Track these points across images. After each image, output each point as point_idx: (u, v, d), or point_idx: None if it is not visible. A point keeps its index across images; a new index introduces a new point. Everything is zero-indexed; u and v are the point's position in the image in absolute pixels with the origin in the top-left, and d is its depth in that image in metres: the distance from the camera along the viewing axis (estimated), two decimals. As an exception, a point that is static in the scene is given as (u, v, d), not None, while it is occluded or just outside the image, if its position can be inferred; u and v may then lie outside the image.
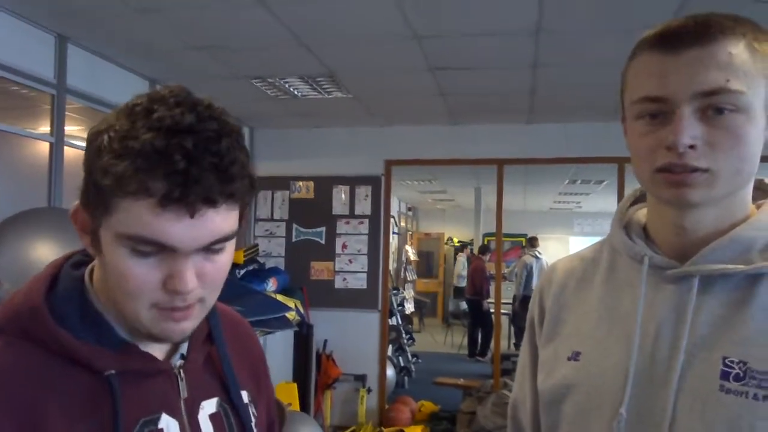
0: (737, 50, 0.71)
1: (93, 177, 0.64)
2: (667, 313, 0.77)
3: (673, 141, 0.71)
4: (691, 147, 0.71)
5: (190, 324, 0.69)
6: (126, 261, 0.64)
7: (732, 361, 0.72)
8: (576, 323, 0.87)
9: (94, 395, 0.68)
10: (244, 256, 4.54)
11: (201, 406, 0.77)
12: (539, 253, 8.67)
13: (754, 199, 0.82)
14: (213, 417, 0.78)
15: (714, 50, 0.71)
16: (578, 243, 11.81)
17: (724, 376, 0.71)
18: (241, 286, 4.24)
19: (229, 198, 0.65)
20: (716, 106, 0.71)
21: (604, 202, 9.71)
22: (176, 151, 0.61)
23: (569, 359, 0.84)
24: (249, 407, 0.83)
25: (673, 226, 0.79)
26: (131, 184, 0.61)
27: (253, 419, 0.82)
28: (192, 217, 0.62)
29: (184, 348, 0.78)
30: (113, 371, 0.69)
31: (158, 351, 0.75)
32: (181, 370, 0.76)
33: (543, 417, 0.88)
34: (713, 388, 0.71)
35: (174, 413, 0.73)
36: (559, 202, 10.78)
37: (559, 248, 11.71)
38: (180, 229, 0.63)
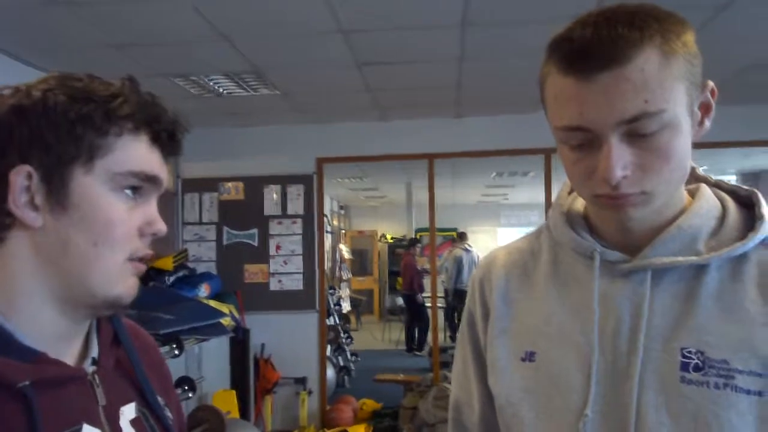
0: (650, 64, 0.67)
1: (68, 127, 0.66)
2: (622, 308, 0.77)
3: (606, 176, 0.70)
4: (624, 177, 0.70)
5: (136, 281, 0.74)
6: (114, 205, 0.68)
7: (690, 352, 0.72)
8: (524, 319, 0.85)
9: (6, 411, 0.61)
10: (173, 262, 4.35)
11: (121, 412, 0.73)
12: (469, 246, 8.83)
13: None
14: (134, 422, 0.74)
15: (627, 72, 0.67)
16: (506, 234, 12.12)
17: (684, 367, 0.71)
18: (172, 293, 4.07)
19: (177, 155, 0.76)
20: (641, 132, 0.69)
21: (530, 193, 10.00)
22: (160, 103, 0.72)
23: (523, 360, 0.82)
24: (165, 410, 0.80)
25: (617, 223, 0.78)
26: (134, 122, 0.69)
27: (170, 422, 0.79)
28: (165, 160, 0.73)
29: (94, 352, 0.73)
30: (26, 382, 0.62)
31: (68, 358, 0.70)
32: (96, 376, 0.71)
33: (499, 420, 0.85)
34: (675, 380, 0.71)
35: (95, 422, 0.68)
36: (487, 195, 11.03)
37: (488, 240, 11.97)
38: (162, 169, 0.73)
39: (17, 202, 0.65)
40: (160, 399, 0.80)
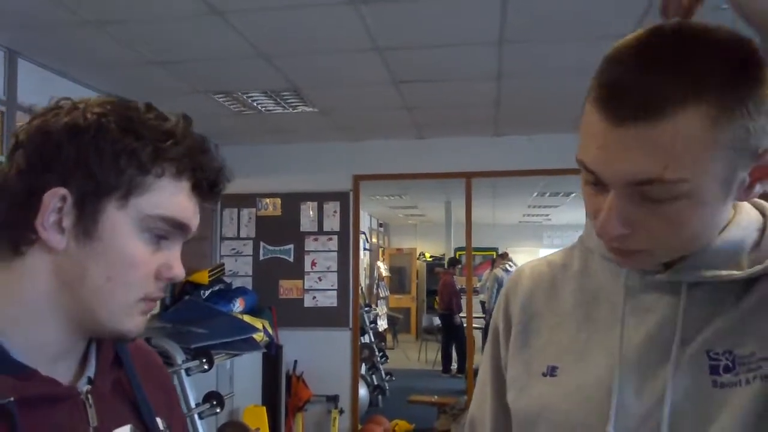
0: (688, 127, 0.57)
1: (113, 158, 0.65)
2: (654, 320, 0.71)
3: (602, 230, 0.65)
4: (623, 235, 0.65)
5: (144, 319, 0.73)
6: (138, 246, 0.67)
7: (717, 353, 0.66)
8: (550, 334, 0.81)
9: None
10: (209, 276, 4.40)
11: None
12: (510, 266, 8.68)
13: None
14: None
15: (658, 130, 0.57)
16: (549, 255, 11.86)
17: (714, 370, 0.66)
18: (206, 307, 4.10)
19: (214, 203, 0.77)
20: (650, 197, 0.61)
21: (573, 214, 9.79)
22: (209, 150, 0.71)
23: (544, 375, 0.78)
24: None
25: None
26: (178, 166, 0.68)
27: None
28: (198, 209, 0.72)
29: (90, 371, 0.72)
30: (12, 398, 0.61)
31: (63, 376, 0.69)
32: (89, 396, 0.69)
33: None
34: (707, 387, 0.66)
35: None
36: (529, 215, 10.85)
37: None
38: (195, 218, 0.72)
39: (45, 223, 0.65)
40: (160, 421, 0.77)
